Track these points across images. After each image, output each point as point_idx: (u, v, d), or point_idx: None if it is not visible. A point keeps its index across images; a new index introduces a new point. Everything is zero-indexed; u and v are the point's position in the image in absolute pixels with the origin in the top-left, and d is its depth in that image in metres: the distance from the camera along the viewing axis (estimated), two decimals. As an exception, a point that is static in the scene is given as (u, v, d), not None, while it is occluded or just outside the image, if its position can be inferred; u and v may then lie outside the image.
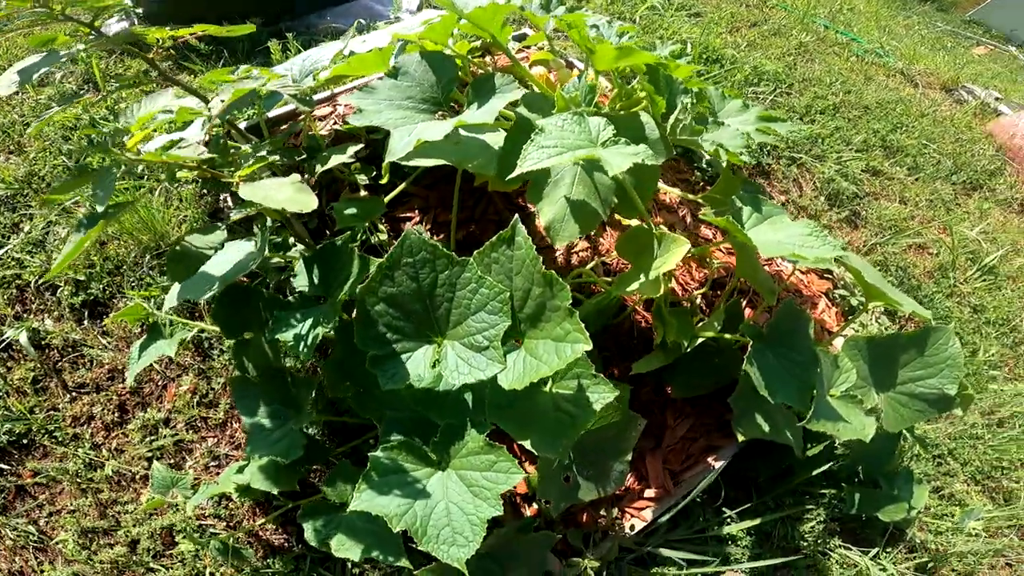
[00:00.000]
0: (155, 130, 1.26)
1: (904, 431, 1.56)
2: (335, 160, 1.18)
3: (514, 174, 0.94)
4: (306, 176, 1.32)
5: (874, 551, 1.58)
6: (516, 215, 0.95)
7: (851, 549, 1.58)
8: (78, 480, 1.39)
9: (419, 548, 0.94)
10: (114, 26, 2.45)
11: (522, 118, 1.09)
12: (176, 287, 1.14)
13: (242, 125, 1.70)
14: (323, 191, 1.68)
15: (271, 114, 1.71)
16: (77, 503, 1.37)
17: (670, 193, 1.51)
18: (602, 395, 0.98)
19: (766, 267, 1.71)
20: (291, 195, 0.93)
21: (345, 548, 1.09)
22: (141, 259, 1.63)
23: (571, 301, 0.87)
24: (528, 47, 1.99)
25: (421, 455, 1.01)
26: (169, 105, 0.98)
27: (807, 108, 2.56)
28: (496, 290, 0.92)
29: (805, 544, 1.58)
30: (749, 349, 1.06)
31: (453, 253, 0.96)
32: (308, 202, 0.93)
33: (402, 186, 1.53)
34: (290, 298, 1.22)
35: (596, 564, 1.32)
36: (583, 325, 0.85)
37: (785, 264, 1.76)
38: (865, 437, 1.10)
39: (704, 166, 1.89)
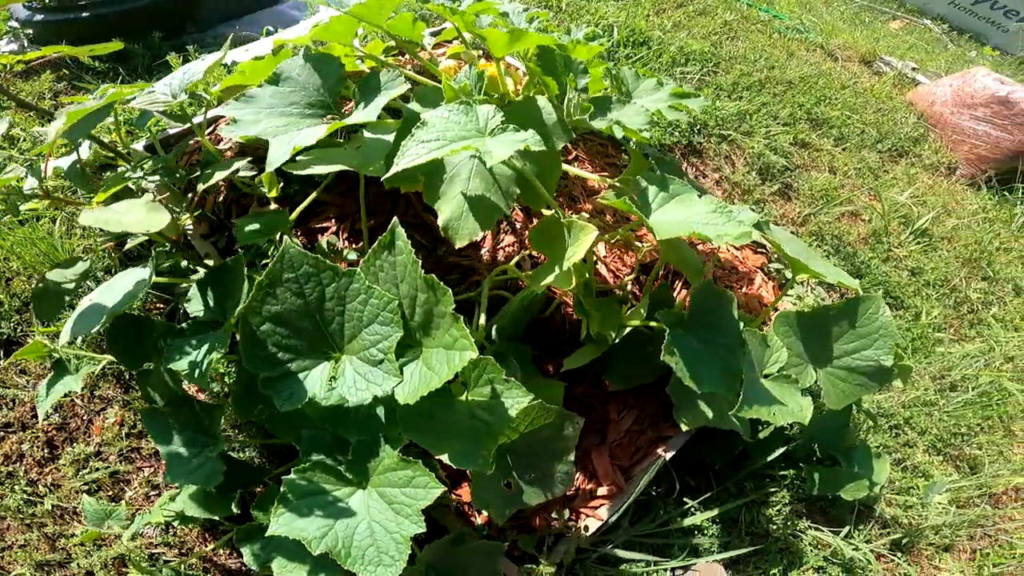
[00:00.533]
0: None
1: (865, 407, 1.54)
2: (218, 176, 1.08)
3: (390, 173, 0.86)
4: (193, 195, 1.21)
5: (845, 530, 1.56)
6: (395, 219, 0.87)
7: (822, 530, 1.56)
8: (21, 516, 1.38)
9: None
10: (3, 47, 2.28)
11: (410, 113, 1.01)
12: (70, 322, 1.09)
13: (140, 145, 1.58)
14: (232, 207, 1.57)
15: (174, 130, 1.60)
16: (26, 538, 1.36)
17: (591, 179, 1.46)
18: (517, 400, 0.91)
19: (700, 246, 1.68)
20: (141, 217, 0.84)
21: (287, 571, 1.01)
22: None
23: (454, 305, 0.79)
24: (448, 41, 1.91)
25: (338, 474, 0.95)
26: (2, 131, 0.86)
27: (734, 85, 2.57)
28: (385, 300, 0.84)
29: (775, 527, 1.56)
30: (666, 338, 1.01)
31: (338, 264, 0.88)
32: (158, 222, 0.84)
33: (313, 195, 1.43)
34: (183, 324, 1.13)
35: (552, 569, 1.26)
36: (467, 331, 0.78)
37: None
38: (803, 420, 1.06)
39: (632, 147, 1.85)
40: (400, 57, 1.91)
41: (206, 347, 1.07)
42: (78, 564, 1.31)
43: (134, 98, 1.04)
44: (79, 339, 1.56)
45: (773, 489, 1.58)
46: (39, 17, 2.11)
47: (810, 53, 3.25)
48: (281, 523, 0.91)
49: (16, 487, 1.39)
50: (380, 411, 1.00)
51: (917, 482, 1.68)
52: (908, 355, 1.95)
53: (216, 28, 2.34)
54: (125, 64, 2.07)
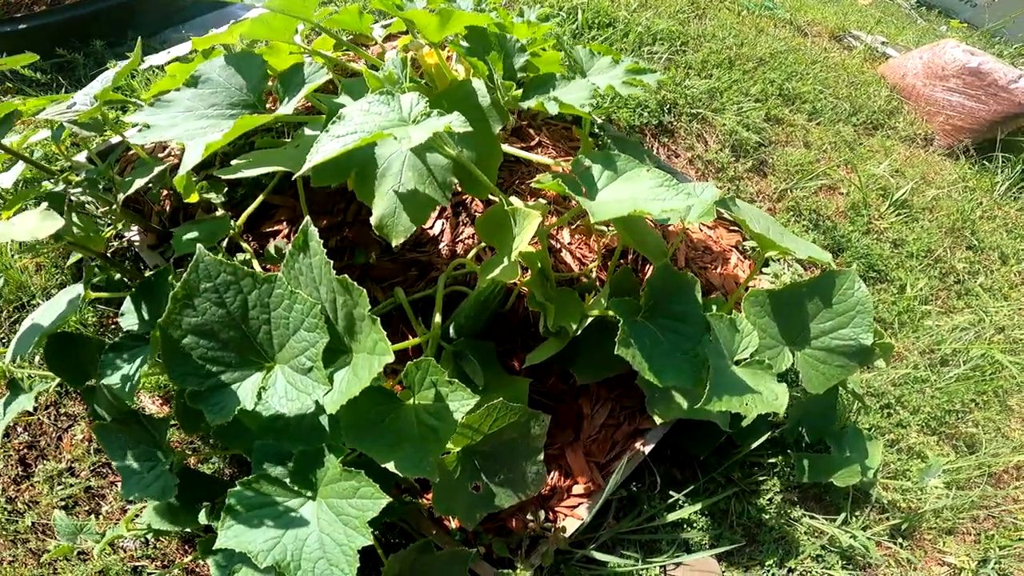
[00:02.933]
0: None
1: (851, 388, 1.47)
2: (138, 183, 1.02)
3: (302, 171, 0.78)
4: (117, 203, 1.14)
5: (841, 517, 1.49)
6: (307, 217, 0.80)
7: (816, 518, 1.50)
8: (4, 532, 1.39)
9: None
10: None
11: (334, 106, 0.94)
12: (13, 342, 1.08)
13: (81, 157, 1.50)
14: (180, 214, 1.49)
15: (116, 140, 1.52)
16: (12, 553, 1.37)
17: (552, 165, 1.38)
18: (462, 403, 0.84)
19: (671, 226, 1.60)
20: (31, 225, 0.77)
21: None
22: (2, 313, 1.46)
23: (369, 307, 0.72)
24: (402, 32, 1.83)
25: (284, 486, 0.89)
26: None
27: (703, 63, 2.49)
28: (308, 304, 0.77)
29: (767, 517, 1.49)
30: (620, 329, 0.94)
31: (257, 270, 0.80)
32: (46, 229, 0.77)
33: (260, 198, 1.36)
34: (117, 339, 1.06)
35: (529, 573, 1.19)
36: (384, 333, 0.71)
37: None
38: (778, 409, 0.98)
39: (596, 131, 1.77)
40: (360, 49, 1.84)
41: (138, 361, 1.01)
42: None
43: (43, 110, 0.96)
44: (36, 358, 1.52)
45: (762, 478, 1.51)
46: None
47: (779, 29, 3.18)
48: (230, 535, 0.86)
49: None
50: (324, 419, 0.93)
51: (913, 464, 1.61)
52: (895, 330, 1.88)
53: (162, 33, 2.26)
54: (68, 74, 1.98)
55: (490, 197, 1.10)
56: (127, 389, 0.97)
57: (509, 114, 0.96)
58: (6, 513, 1.40)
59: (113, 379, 1.00)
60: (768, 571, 1.42)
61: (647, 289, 1.02)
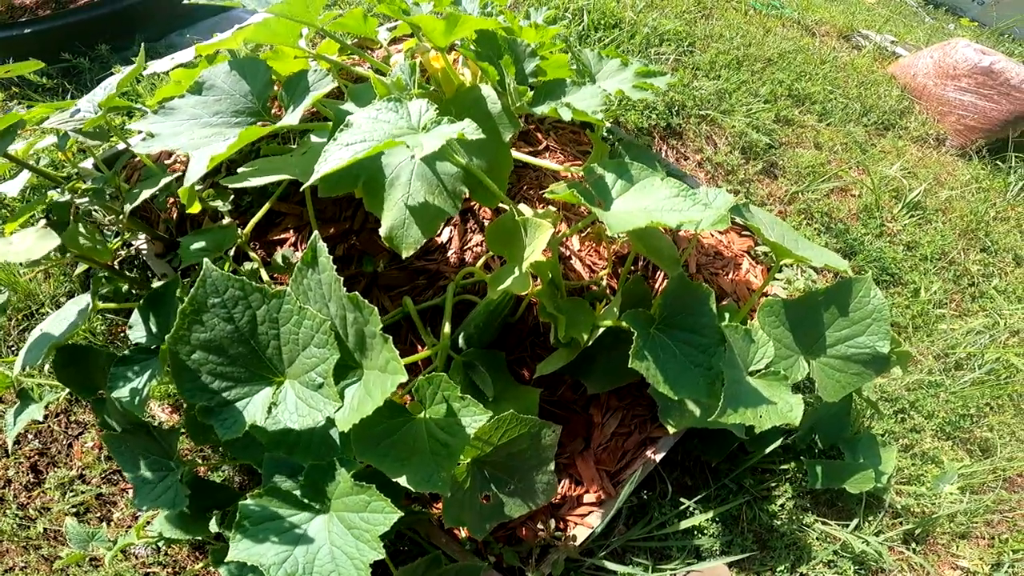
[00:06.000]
0: None
1: (866, 395, 1.44)
2: (145, 194, 1.00)
3: (310, 181, 0.76)
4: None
5: (854, 523, 1.47)
6: (316, 232, 0.78)
7: (829, 523, 1.48)
8: (16, 539, 1.40)
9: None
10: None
11: (340, 114, 0.92)
12: (22, 353, 1.07)
13: (88, 163, 1.49)
14: (187, 222, 1.48)
15: (123, 146, 1.51)
16: (25, 560, 1.37)
17: (560, 171, 1.36)
18: (475, 419, 0.82)
19: (683, 233, 1.58)
20: (29, 244, 0.76)
21: None
22: (11, 321, 1.47)
23: (381, 324, 0.70)
24: (408, 35, 1.81)
25: (294, 500, 0.89)
26: None
27: (711, 64, 2.46)
28: (318, 321, 0.75)
29: (779, 523, 1.48)
30: (635, 342, 0.91)
31: (266, 284, 0.78)
32: (43, 248, 0.77)
33: (267, 206, 1.34)
34: (126, 352, 1.05)
35: None
36: (396, 352, 0.69)
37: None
38: (793, 421, 0.96)
39: (605, 134, 1.75)
40: (357, 57, 1.82)
41: (147, 374, 1.00)
42: None
43: (47, 118, 0.94)
44: (46, 367, 1.53)
45: (774, 484, 1.49)
46: None
47: (787, 29, 3.14)
48: (240, 549, 0.85)
49: (8, 511, 1.40)
50: (335, 432, 0.91)
51: (927, 469, 1.59)
52: (909, 334, 1.85)
53: (168, 37, 2.24)
54: (75, 79, 1.98)
55: (500, 205, 1.08)
56: (136, 402, 0.96)
57: (520, 121, 0.93)
58: (18, 520, 1.41)
59: (122, 392, 1.00)
60: None
61: (661, 300, 1.00)
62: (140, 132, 1.32)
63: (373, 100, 0.98)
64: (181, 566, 1.37)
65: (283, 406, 0.82)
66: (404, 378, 0.69)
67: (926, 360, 1.78)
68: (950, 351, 1.82)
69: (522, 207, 1.07)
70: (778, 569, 1.42)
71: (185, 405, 1.13)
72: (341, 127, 0.82)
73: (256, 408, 0.84)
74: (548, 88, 1.04)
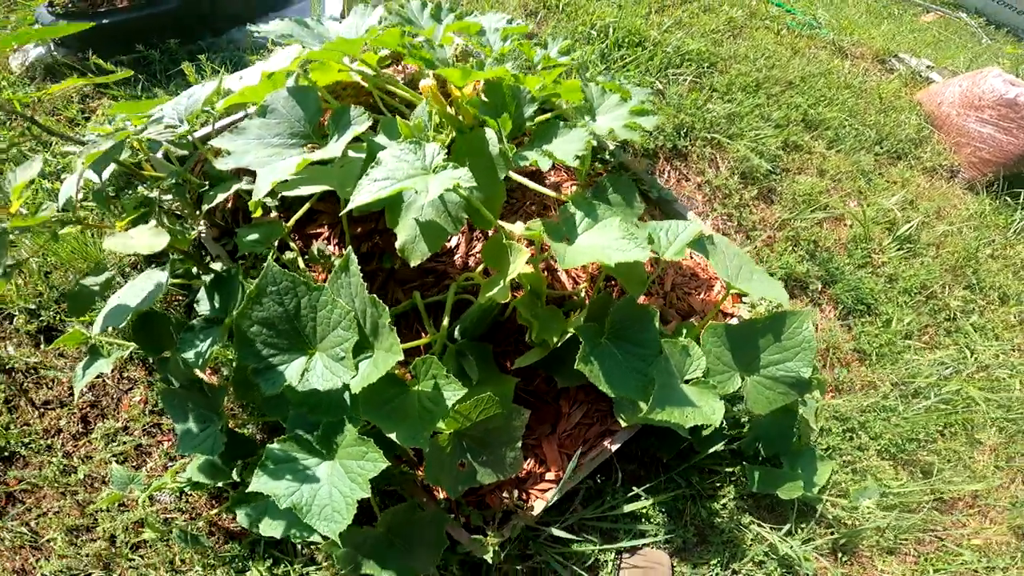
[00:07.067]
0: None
1: (801, 413, 1.67)
2: (220, 197, 1.33)
3: (347, 208, 1.08)
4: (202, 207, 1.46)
5: (786, 527, 1.68)
6: (350, 247, 1.10)
7: (763, 526, 1.68)
8: (56, 485, 1.61)
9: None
10: (32, 52, 2.55)
11: (373, 146, 1.22)
12: (100, 316, 1.33)
13: (160, 154, 1.84)
14: (239, 214, 1.82)
15: (199, 133, 1.84)
16: (59, 505, 1.59)
17: (543, 192, 1.64)
18: (454, 393, 1.14)
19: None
20: (146, 240, 1.09)
21: (271, 528, 1.30)
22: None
23: (390, 319, 1.02)
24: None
25: (309, 447, 1.19)
26: (35, 173, 1.11)
27: (728, 86, 2.65)
28: (344, 310, 1.07)
29: (719, 520, 1.69)
30: (581, 349, 1.21)
31: (310, 281, 1.10)
32: (159, 244, 1.09)
33: (307, 205, 1.66)
34: (193, 320, 1.38)
35: (498, 539, 1.48)
36: (398, 339, 1.00)
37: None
38: (714, 422, 1.24)
39: (607, 157, 2.01)
40: (395, 65, 2.12)
41: (209, 341, 1.33)
42: (103, 528, 1.55)
43: (144, 128, 1.28)
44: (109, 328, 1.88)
45: (719, 484, 1.75)
46: (63, 23, 2.30)
47: (818, 50, 3.26)
48: (260, 483, 1.15)
49: (53, 459, 1.63)
50: (347, 396, 1.23)
51: (865, 485, 1.81)
52: (873, 361, 2.08)
53: (229, 32, 2.58)
54: (145, 69, 2.32)
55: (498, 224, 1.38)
56: (200, 363, 1.28)
57: (511, 161, 1.22)
58: (62, 467, 1.61)
59: (188, 354, 1.29)
60: (713, 570, 1.63)
61: (611, 317, 1.29)
62: (206, 127, 1.65)
63: (399, 136, 1.29)
64: (198, 512, 1.61)
65: (313, 372, 1.14)
66: (401, 358, 1.01)
67: (884, 386, 2.01)
68: (910, 379, 2.05)
69: (518, 225, 1.37)
70: (712, 562, 1.64)
71: (235, 366, 1.45)
72: (373, 164, 1.12)
73: (293, 372, 1.17)
74: (541, 131, 1.32)
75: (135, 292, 1.38)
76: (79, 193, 1.17)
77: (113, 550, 1.54)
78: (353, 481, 1.13)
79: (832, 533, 1.75)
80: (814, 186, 2.41)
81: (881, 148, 2.77)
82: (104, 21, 2.41)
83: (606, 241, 1.14)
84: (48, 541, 1.55)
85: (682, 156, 2.37)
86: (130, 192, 1.39)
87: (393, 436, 1.14)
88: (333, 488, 1.14)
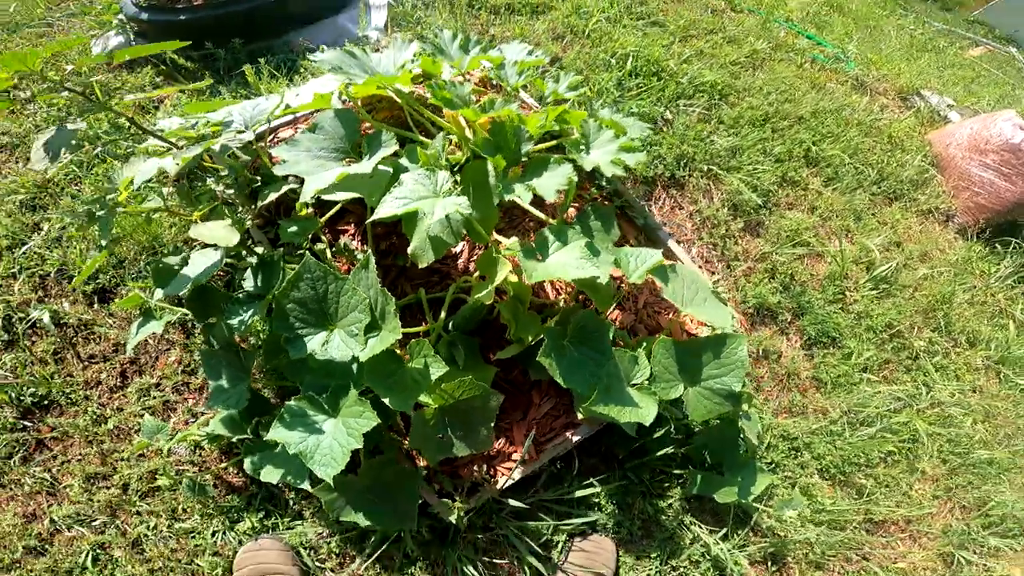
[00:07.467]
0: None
1: (742, 426, 1.92)
2: (273, 196, 1.68)
3: (373, 217, 1.41)
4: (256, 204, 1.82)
5: (723, 531, 1.85)
6: (369, 250, 1.43)
7: (703, 528, 1.84)
8: (86, 434, 1.75)
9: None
10: (112, 39, 2.93)
11: (398, 167, 1.55)
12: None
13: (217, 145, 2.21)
14: (281, 207, 2.18)
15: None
16: (84, 452, 1.72)
17: (535, 214, 1.94)
18: (437, 370, 1.47)
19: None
20: (222, 234, 1.45)
21: (270, 475, 1.64)
22: (140, 256, 2.14)
23: (396, 307, 1.35)
24: (470, 72, 2.41)
25: (319, 406, 1.53)
26: (144, 170, 1.47)
27: (736, 119, 2.85)
28: (361, 297, 1.41)
29: (664, 518, 1.87)
30: (543, 346, 1.52)
31: (337, 272, 1.45)
32: (231, 239, 1.44)
33: (339, 205, 2.01)
34: (239, 294, 1.74)
35: (464, 505, 1.67)
36: (400, 323, 1.36)
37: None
38: (645, 420, 1.53)
39: (602, 183, 2.29)
40: (428, 80, 2.44)
41: (250, 312, 1.67)
42: (120, 476, 1.69)
43: (219, 134, 1.63)
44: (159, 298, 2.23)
45: (667, 485, 1.91)
46: (144, 16, 2.68)
47: (838, 85, 3.40)
48: (276, 432, 1.39)
49: (89, 409, 1.76)
50: (355, 367, 1.57)
51: (790, 497, 1.99)
52: (828, 389, 2.32)
53: (286, 35, 2.94)
54: (210, 65, 2.69)
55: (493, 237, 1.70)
56: (241, 329, 1.62)
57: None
58: (94, 417, 1.74)
59: (233, 321, 1.63)
60: (654, 563, 1.80)
61: (573, 324, 1.60)
62: (262, 126, 2.01)
63: (418, 162, 1.61)
64: (208, 466, 1.77)
65: (332, 343, 1.48)
66: (399, 337, 1.35)
67: (834, 412, 2.26)
68: (861, 408, 2.29)
69: (513, 239, 1.68)
70: (653, 556, 1.81)
71: (268, 334, 1.78)
72: (396, 183, 1.45)
73: (316, 343, 1.51)
74: (533, 166, 1.62)
75: (192, 266, 1.73)
76: (170, 187, 1.53)
77: (124, 497, 1.69)
78: (350, 435, 1.46)
79: (765, 541, 1.90)
80: (801, 222, 2.63)
81: (879, 188, 2.94)
82: (180, 17, 2.80)
83: (568, 261, 1.44)
84: (65, 488, 1.67)
85: (679, 185, 2.62)
86: (199, 184, 1.75)
87: (387, 401, 1.47)
88: (334, 440, 1.46)
